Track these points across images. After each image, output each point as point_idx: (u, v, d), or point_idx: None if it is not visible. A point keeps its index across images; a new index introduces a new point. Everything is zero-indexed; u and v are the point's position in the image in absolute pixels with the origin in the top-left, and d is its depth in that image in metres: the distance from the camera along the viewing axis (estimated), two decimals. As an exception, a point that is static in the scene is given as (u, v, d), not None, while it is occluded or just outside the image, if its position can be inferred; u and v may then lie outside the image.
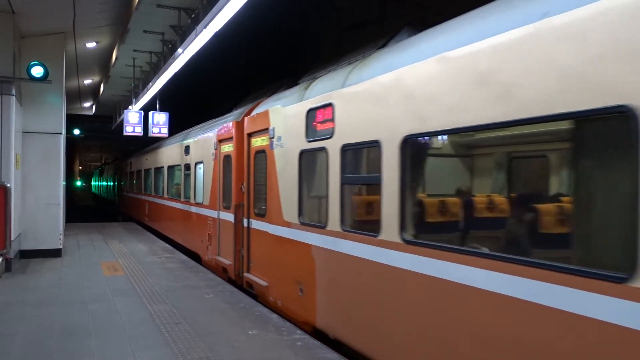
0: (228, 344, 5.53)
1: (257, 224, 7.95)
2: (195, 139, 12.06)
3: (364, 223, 5.34)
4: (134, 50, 14.18)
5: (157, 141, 17.76)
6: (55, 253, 11.37)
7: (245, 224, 8.45)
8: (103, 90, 20.72)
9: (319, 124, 6.03)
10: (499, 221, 3.97)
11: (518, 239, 3.74)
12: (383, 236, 4.72)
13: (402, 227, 4.47)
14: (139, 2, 10.22)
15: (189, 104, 24.50)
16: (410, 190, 4.52)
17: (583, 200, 3.24)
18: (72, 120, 26.61)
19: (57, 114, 11.64)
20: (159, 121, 16.08)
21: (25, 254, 11.04)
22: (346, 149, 5.44)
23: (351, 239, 5.28)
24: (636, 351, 2.61)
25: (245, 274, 8.34)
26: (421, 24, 5.13)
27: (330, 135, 5.72)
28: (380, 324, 4.75)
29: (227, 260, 9.28)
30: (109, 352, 5.27)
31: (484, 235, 4.09)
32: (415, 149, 4.49)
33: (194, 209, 11.90)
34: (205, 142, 11.07)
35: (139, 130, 16.58)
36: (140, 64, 15.69)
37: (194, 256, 11.71)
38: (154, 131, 16.04)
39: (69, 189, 41.21)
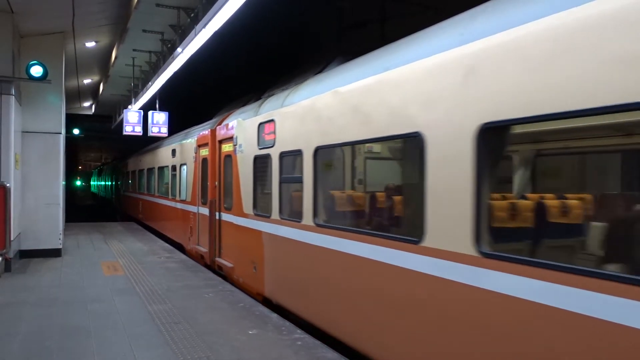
0: (228, 344, 5.53)
1: (225, 217, 9.41)
2: (180, 143, 13.63)
3: (293, 213, 6.67)
4: (134, 50, 14.17)
5: (153, 143, 18.49)
6: (55, 253, 11.37)
7: (217, 217, 9.89)
8: (102, 90, 20.71)
9: (266, 135, 7.50)
10: (364, 210, 5.99)
11: (381, 220, 5.54)
12: (304, 222, 6.17)
13: (315, 215, 5.96)
14: (138, 1, 10.21)
15: (189, 103, 24.51)
16: (321, 187, 6.00)
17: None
18: (72, 119, 26.62)
19: (56, 114, 11.63)
20: (159, 121, 16.08)
21: (25, 254, 11.04)
22: (283, 156, 6.90)
23: (285, 225, 6.75)
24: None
25: (217, 259, 9.81)
26: (351, 55, 6.29)
27: (272, 144, 7.20)
28: (303, 289, 6.29)
29: (203, 249, 10.76)
30: (109, 352, 5.27)
31: (365, 220, 5.90)
32: (323, 156, 5.96)
33: (179, 205, 13.43)
34: (188, 146, 12.59)
35: (138, 130, 16.57)
36: (139, 63, 15.69)
37: (181, 247, 13.08)
38: (153, 131, 16.04)
39: (69, 189, 41.47)
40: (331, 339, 5.63)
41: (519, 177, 5.09)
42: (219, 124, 10.16)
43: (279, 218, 6.93)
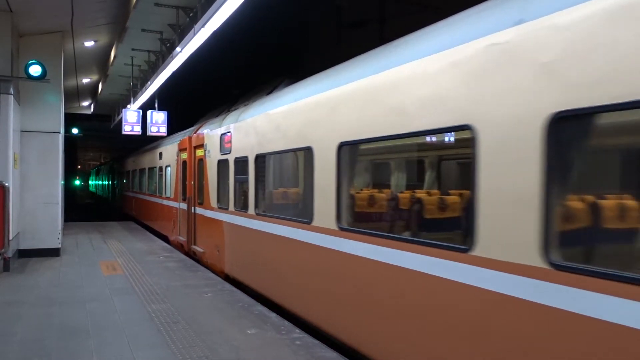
0: (227, 343, 5.53)
1: (199, 210, 11.19)
2: (165, 147, 15.38)
3: (244, 205, 8.46)
4: (133, 49, 14.16)
5: (150, 143, 19.63)
6: (54, 252, 11.35)
7: (193, 211, 11.64)
8: (101, 89, 20.69)
9: (225, 144, 9.36)
10: (290, 203, 7.53)
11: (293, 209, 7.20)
12: (249, 212, 8.09)
13: (256, 206, 7.84)
14: (137, 1, 10.21)
15: (188, 102, 24.51)
16: (260, 185, 7.87)
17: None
18: (71, 119, 26.61)
19: (55, 113, 11.62)
20: (158, 120, 16.08)
21: (24, 253, 11.03)
22: (237, 161, 8.79)
23: (238, 215, 8.65)
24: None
25: (192, 246, 11.61)
26: (295, 79, 7.77)
27: (230, 151, 9.13)
28: (249, 264, 8.20)
29: (183, 238, 12.56)
30: (107, 352, 5.26)
31: (279, 209, 7.68)
32: (261, 162, 7.82)
33: (164, 202, 15.13)
34: (171, 150, 14.35)
35: (137, 129, 16.56)
36: (138, 62, 15.67)
37: (166, 239, 14.81)
38: (152, 130, 16.04)
39: (69, 189, 42.12)
40: (330, 339, 5.65)
41: (362, 179, 6.02)
42: (196, 131, 11.83)
43: (234, 210, 8.89)
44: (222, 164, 9.52)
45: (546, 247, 3.06)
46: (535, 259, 3.11)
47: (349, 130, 5.23)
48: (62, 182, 13.13)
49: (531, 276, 3.14)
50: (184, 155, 12.51)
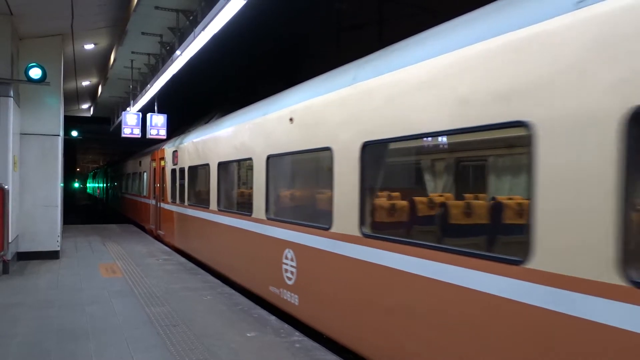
0: (226, 346, 5.53)
1: (162, 205, 15.17)
2: (143, 157, 19.67)
3: (181, 199, 12.64)
4: (132, 52, 14.17)
5: (144, 148, 22.15)
6: (53, 255, 11.34)
7: (158, 206, 15.69)
8: (101, 92, 20.70)
9: (175, 158, 13.54)
10: (202, 196, 10.73)
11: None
12: (185, 204, 11.98)
13: (188, 199, 11.65)
14: (137, 4, 10.22)
15: (187, 105, 24.53)
16: (190, 186, 11.65)
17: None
18: (70, 121, 26.59)
19: (55, 116, 11.62)
20: (157, 123, 16.08)
21: (23, 256, 11.02)
22: (180, 170, 12.81)
23: (179, 206, 12.73)
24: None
25: (158, 231, 15.78)
26: (226, 111, 10.43)
27: (177, 164, 13.22)
28: (184, 237, 12.12)
29: (153, 226, 16.65)
30: (107, 354, 5.26)
31: (197, 200, 10.93)
32: (191, 171, 11.55)
33: (142, 200, 19.34)
34: (147, 159, 18.46)
35: (137, 132, 16.55)
36: (138, 65, 15.69)
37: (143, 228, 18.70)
38: (152, 133, 16.04)
39: (69, 192, 43.31)
40: (330, 341, 5.65)
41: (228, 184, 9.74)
42: (161, 148, 15.73)
43: (178, 203, 13.05)
44: (173, 172, 13.76)
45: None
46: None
47: (226, 155, 9.22)
48: (62, 184, 13.12)
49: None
50: (154, 164, 16.61)
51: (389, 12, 13.46)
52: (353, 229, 5.06)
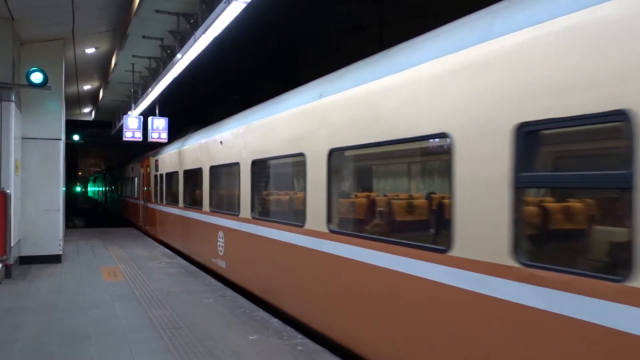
0: (229, 349, 5.52)
1: (148, 204, 18.03)
2: (134, 164, 22.81)
3: (160, 199, 15.87)
4: (133, 56, 14.20)
5: (144, 152, 23.28)
6: (55, 259, 11.35)
7: (146, 205, 18.66)
8: (102, 96, 20.75)
9: (157, 166, 16.34)
10: (173, 197, 14.20)
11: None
12: (163, 203, 15.38)
13: (165, 199, 15.12)
14: (137, 7, 10.25)
15: (189, 109, 24.57)
16: (167, 188, 14.98)
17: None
18: (72, 125, 26.59)
19: (56, 120, 11.65)
20: (159, 126, 16.11)
21: (25, 260, 11.03)
22: (161, 175, 15.72)
23: (159, 205, 16.01)
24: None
25: (145, 227, 18.76)
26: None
27: (158, 170, 16.21)
28: (163, 228, 15.47)
29: (142, 223, 19.68)
30: (109, 358, 5.26)
31: (171, 200, 14.48)
32: (167, 177, 14.92)
33: (134, 201, 22.41)
34: (137, 166, 21.46)
35: (138, 136, 16.59)
36: (139, 69, 15.72)
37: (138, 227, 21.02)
38: (153, 136, 16.07)
39: (71, 196, 44.36)
40: (330, 343, 5.65)
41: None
42: (149, 156, 18.59)
43: (158, 202, 16.11)
44: (155, 177, 16.80)
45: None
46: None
47: (188, 165, 12.35)
48: (64, 188, 13.14)
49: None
50: (142, 170, 19.60)
51: (389, 14, 13.47)
52: (246, 214, 8.21)
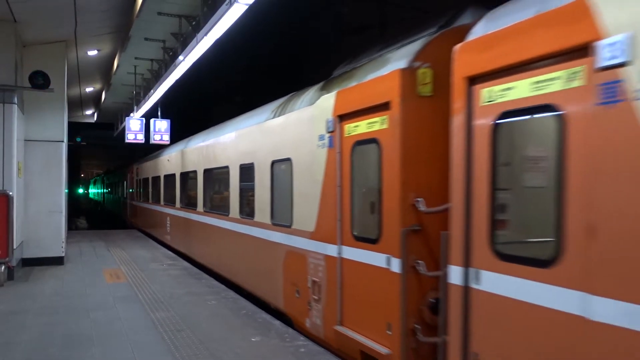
0: (231, 351, 5.52)
1: (134, 202, 22.63)
2: (125, 170, 26.85)
3: (141, 198, 21.23)
4: (135, 58, 14.21)
5: (146, 154, 24.65)
6: (58, 261, 11.37)
7: (132, 203, 23.07)
8: (104, 98, 20.78)
9: (138, 172, 21.74)
10: (145, 195, 20.31)
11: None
12: (142, 200, 20.69)
13: (143, 197, 20.15)
14: (140, 10, 10.26)
15: (191, 110, 24.64)
16: (142, 189, 20.71)
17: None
18: (74, 128, 26.70)
19: (58, 122, 11.67)
20: (161, 128, 16.14)
21: (28, 262, 11.04)
22: (139, 179, 21.52)
23: (141, 202, 21.03)
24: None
25: (130, 220, 23.70)
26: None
27: (138, 175, 21.67)
28: (142, 219, 20.71)
29: (132, 220, 23.10)
30: (111, 360, 5.26)
31: (143, 198, 20.63)
32: (143, 181, 20.45)
33: (124, 200, 27.07)
34: (125, 173, 26.11)
35: (140, 138, 16.63)
36: (141, 71, 15.74)
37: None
38: (155, 138, 16.10)
39: (73, 197, 45.06)
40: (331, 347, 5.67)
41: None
42: (134, 165, 23.02)
43: (140, 200, 20.82)
44: (137, 181, 21.48)
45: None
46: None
47: (156, 172, 17.40)
48: (66, 190, 13.16)
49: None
50: (129, 175, 24.46)
51: (390, 15, 13.47)
52: (178, 205, 13.49)
